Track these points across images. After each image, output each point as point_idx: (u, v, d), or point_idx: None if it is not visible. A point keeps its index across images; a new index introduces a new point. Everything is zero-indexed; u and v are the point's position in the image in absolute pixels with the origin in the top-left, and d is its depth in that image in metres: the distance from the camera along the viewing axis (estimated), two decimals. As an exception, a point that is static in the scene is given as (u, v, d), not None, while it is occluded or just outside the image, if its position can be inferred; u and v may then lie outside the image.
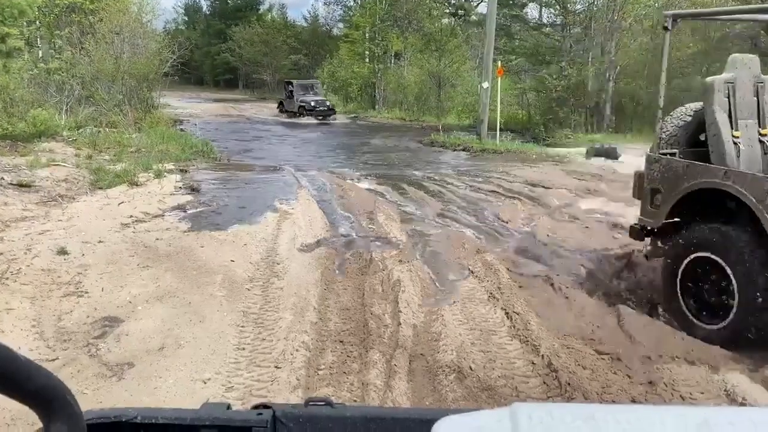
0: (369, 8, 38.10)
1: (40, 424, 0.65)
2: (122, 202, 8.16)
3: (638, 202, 5.59)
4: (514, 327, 4.59)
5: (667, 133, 5.53)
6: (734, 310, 4.18)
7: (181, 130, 19.31)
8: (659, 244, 5.25)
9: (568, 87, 24.39)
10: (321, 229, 7.57)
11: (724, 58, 5.30)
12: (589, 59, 24.60)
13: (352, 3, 48.67)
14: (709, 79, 5.05)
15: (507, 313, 4.84)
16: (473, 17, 42.00)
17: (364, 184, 11.34)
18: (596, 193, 10.37)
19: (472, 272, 5.98)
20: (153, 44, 21.95)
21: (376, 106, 36.72)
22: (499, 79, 19.08)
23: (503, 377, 3.84)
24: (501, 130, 19.44)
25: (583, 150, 16.27)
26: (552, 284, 5.69)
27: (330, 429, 0.84)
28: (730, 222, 4.44)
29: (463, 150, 18.01)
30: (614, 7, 23.48)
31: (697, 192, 4.60)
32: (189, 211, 8.09)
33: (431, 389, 3.70)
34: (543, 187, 10.94)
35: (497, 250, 6.87)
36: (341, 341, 4.33)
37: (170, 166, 11.56)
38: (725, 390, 3.68)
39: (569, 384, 3.66)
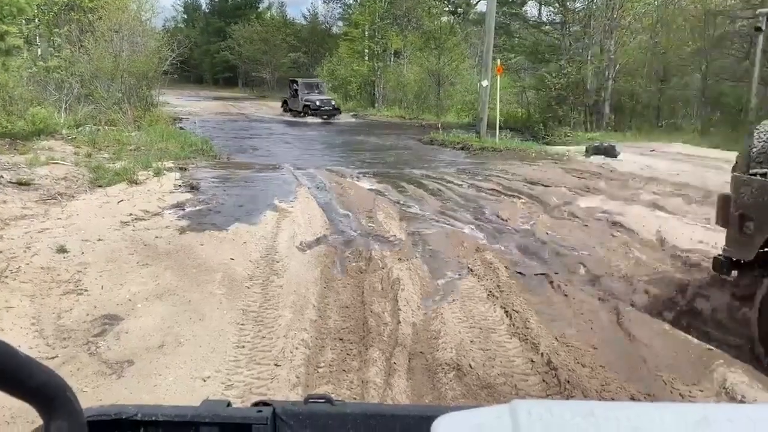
0: (368, 6, 38.07)
1: (40, 422, 0.65)
2: (122, 201, 8.16)
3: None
4: (513, 325, 4.60)
5: (757, 149, 4.70)
6: None
7: (181, 128, 19.30)
8: (750, 277, 4.47)
9: (567, 85, 24.39)
10: (320, 227, 7.57)
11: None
12: (589, 57, 24.59)
13: (351, 1, 48.79)
14: None
15: (506, 312, 4.84)
16: (472, 15, 42.01)
17: (364, 183, 11.34)
18: (595, 191, 10.38)
19: (471, 270, 5.98)
20: (152, 42, 21.93)
21: (376, 104, 36.72)
22: (499, 77, 19.07)
23: (502, 375, 3.84)
24: (500, 128, 19.44)
25: (583, 148, 16.29)
26: (551, 282, 5.71)
27: (330, 426, 0.84)
28: None
29: (463, 148, 18.01)
30: (613, 5, 23.47)
31: None
32: (188, 209, 8.08)
33: (431, 387, 3.70)
34: (542, 185, 10.94)
35: (496, 249, 6.88)
36: (341, 339, 4.33)
37: (169, 164, 11.55)
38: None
39: (568, 382, 3.67)
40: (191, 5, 72.48)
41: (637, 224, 7.77)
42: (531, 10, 35.70)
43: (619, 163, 13.96)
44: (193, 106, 32.24)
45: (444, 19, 38.90)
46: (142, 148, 13.06)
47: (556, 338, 4.37)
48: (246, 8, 61.10)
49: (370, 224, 7.77)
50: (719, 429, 0.49)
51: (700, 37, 21.54)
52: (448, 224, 8.10)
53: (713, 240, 6.93)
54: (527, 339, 4.32)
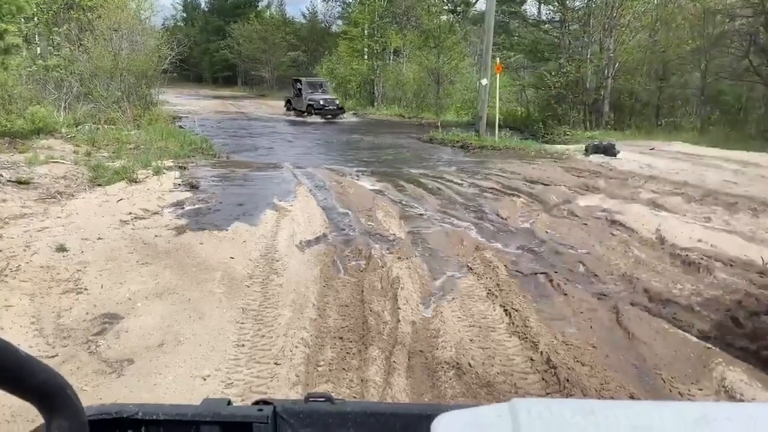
0: (368, 5, 38.05)
1: (40, 420, 0.65)
2: (121, 199, 8.15)
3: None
4: (512, 324, 4.60)
5: None
6: None
7: (180, 126, 19.29)
8: None
9: (566, 84, 24.37)
10: (320, 226, 7.57)
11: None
12: (588, 56, 24.57)
13: (350, 0, 48.64)
14: None
15: (506, 310, 4.85)
16: (472, 14, 41.98)
17: (363, 182, 11.34)
18: (595, 190, 10.38)
19: (471, 269, 5.99)
20: (152, 41, 21.92)
21: (375, 103, 36.72)
22: (498, 75, 19.07)
23: (502, 374, 3.85)
24: (500, 126, 19.44)
25: (582, 147, 16.29)
26: (551, 281, 5.71)
27: (330, 424, 0.84)
28: None
29: (462, 147, 18.02)
30: (613, 3, 23.43)
31: None
32: (188, 208, 8.09)
33: (430, 385, 3.70)
34: (542, 184, 10.95)
35: (496, 247, 6.88)
36: (340, 338, 4.33)
37: (169, 163, 11.56)
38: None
39: (568, 380, 3.67)
40: (190, 4, 72.46)
41: (637, 223, 7.78)
42: (530, 8, 35.73)
43: (618, 162, 13.96)
44: (192, 105, 32.21)
45: (443, 17, 38.88)
46: (142, 146, 13.05)
47: (555, 337, 4.37)
48: (245, 7, 61.07)
49: (369, 223, 7.77)
50: (718, 427, 0.49)
51: (699, 35, 21.53)
52: (447, 223, 8.10)
53: (712, 239, 6.95)
54: (527, 338, 4.32)
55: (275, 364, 3.87)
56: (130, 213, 7.44)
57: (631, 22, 23.88)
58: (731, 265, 6.02)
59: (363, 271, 5.87)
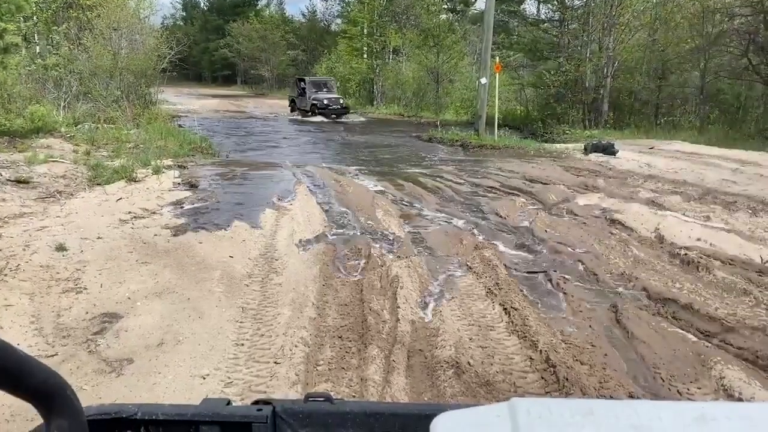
0: (367, 4, 38.07)
1: (40, 420, 0.65)
2: (120, 199, 8.15)
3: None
4: (512, 322, 4.60)
5: None
6: None
7: (180, 126, 19.29)
8: None
9: (566, 83, 24.38)
10: (319, 225, 7.57)
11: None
12: (587, 55, 24.57)
13: (350, -2, 48.62)
14: None
15: (505, 309, 4.85)
16: (471, 13, 41.99)
17: (362, 181, 11.34)
18: (594, 189, 10.38)
19: (470, 268, 5.99)
20: (151, 40, 21.91)
21: (375, 102, 36.73)
22: (497, 74, 19.06)
23: (501, 372, 3.85)
24: (499, 125, 19.44)
25: (581, 146, 16.29)
26: (550, 280, 5.72)
27: (329, 424, 0.84)
28: None
29: (461, 146, 18.03)
30: (612, 2, 23.43)
31: None
32: (187, 207, 8.08)
33: (429, 384, 3.71)
34: (541, 183, 10.95)
35: (495, 246, 6.88)
36: (340, 337, 4.33)
37: (168, 162, 11.55)
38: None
39: (567, 379, 3.67)
40: (190, 3, 72.47)
41: (636, 222, 7.78)
42: (529, 7, 35.74)
43: (617, 161, 13.96)
44: (192, 104, 32.22)
45: (443, 16, 38.89)
46: (141, 146, 13.04)
47: (554, 335, 4.38)
48: (244, 6, 61.10)
49: (368, 222, 7.77)
50: (717, 426, 0.49)
51: (698, 34, 21.53)
52: (446, 222, 8.10)
53: (711, 237, 6.95)
54: (526, 336, 4.32)
55: (275, 363, 3.87)
56: (130, 212, 7.44)
57: (630, 21, 23.88)
58: (730, 264, 6.03)
59: (362, 269, 5.87)
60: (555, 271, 5.98)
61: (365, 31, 39.26)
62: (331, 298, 5.11)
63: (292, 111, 30.70)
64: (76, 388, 0.67)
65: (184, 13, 74.22)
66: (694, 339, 4.42)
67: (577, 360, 3.99)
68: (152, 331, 4.26)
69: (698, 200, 9.28)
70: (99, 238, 6.23)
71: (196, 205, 8.28)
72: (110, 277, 5.23)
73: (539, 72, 26.64)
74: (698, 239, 6.90)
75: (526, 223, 7.99)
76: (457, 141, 18.66)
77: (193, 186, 9.54)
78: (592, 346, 4.28)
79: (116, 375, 3.69)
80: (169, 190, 9.05)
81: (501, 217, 8.36)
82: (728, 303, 5.09)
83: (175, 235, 6.59)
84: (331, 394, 0.90)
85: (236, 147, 16.61)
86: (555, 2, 28.50)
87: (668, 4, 23.46)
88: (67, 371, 3.60)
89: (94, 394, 3.40)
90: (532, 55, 29.19)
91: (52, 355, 3.84)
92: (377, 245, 6.66)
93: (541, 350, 4.06)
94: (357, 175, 12.06)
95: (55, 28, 19.43)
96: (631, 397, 3.54)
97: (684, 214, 8.26)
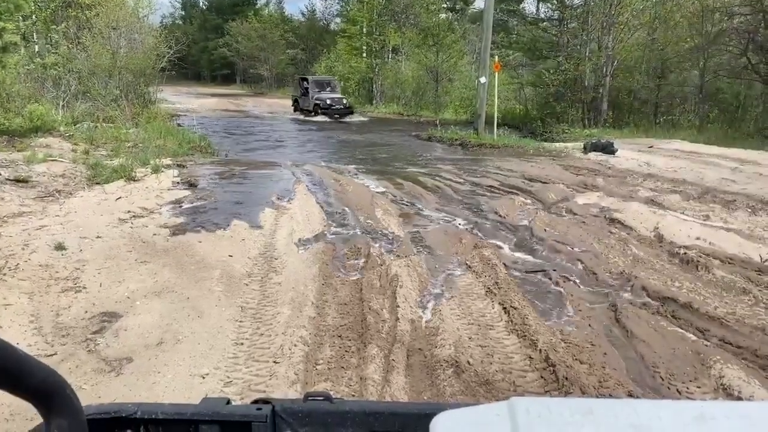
0: (366, 3, 38.05)
1: (39, 419, 0.65)
2: (120, 198, 8.15)
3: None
4: (511, 322, 4.60)
5: None
6: None
7: (179, 125, 19.28)
8: None
9: (565, 82, 24.40)
10: (318, 224, 7.57)
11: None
12: (586, 54, 24.58)
13: (349, -3, 48.59)
14: None
15: (504, 308, 4.85)
16: (471, 11, 41.99)
17: (362, 180, 11.34)
18: (593, 188, 10.38)
19: (469, 267, 5.99)
20: (150, 39, 21.88)
21: (374, 101, 36.73)
22: (497, 73, 19.07)
23: (501, 372, 3.85)
24: (498, 124, 19.45)
25: (580, 145, 16.30)
26: (549, 279, 5.72)
27: (329, 423, 0.84)
28: None
29: (461, 145, 18.03)
30: (611, 1, 23.44)
31: None
32: (186, 207, 8.08)
33: (429, 383, 3.71)
34: (540, 182, 10.95)
35: (495, 245, 6.89)
36: (339, 336, 4.33)
37: (167, 161, 11.55)
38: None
39: (566, 378, 3.67)
40: (188, 2, 72.47)
41: (635, 221, 7.79)
42: (529, 6, 35.76)
43: (616, 160, 13.97)
44: (191, 103, 32.21)
45: (442, 15, 38.89)
46: (140, 145, 13.03)
47: (553, 334, 4.38)
48: (243, 5, 61.08)
49: (368, 221, 7.77)
50: (716, 426, 0.49)
51: (697, 33, 21.54)
52: (446, 221, 8.10)
53: (711, 236, 6.96)
54: (525, 335, 4.32)
55: (274, 362, 3.87)
56: (129, 211, 7.43)
57: (629, 20, 23.90)
58: (729, 263, 6.03)
59: (362, 269, 5.87)
60: (554, 270, 5.98)
61: (364, 30, 39.25)
62: (331, 297, 5.11)
63: (295, 111, 30.47)
64: (76, 388, 0.67)
65: (183, 12, 74.24)
66: (694, 338, 4.42)
67: (576, 359, 3.99)
68: (151, 330, 4.25)
69: (697, 199, 9.28)
70: (98, 237, 6.22)
71: (195, 204, 8.28)
72: (109, 277, 5.23)
73: (538, 71, 26.66)
74: (697, 238, 6.90)
75: (525, 222, 7.99)
76: (456, 140, 18.66)
77: (192, 185, 9.53)
78: (592, 345, 4.28)
79: (115, 374, 3.69)
80: (168, 189, 9.05)
81: (500, 216, 8.36)
82: (727, 302, 5.09)
83: (174, 234, 6.58)
84: (331, 393, 0.90)
85: (235, 146, 16.61)
86: (554, 1, 28.51)
87: (667, 3, 23.47)
88: (67, 370, 3.60)
89: (93, 393, 3.40)
90: (531, 54, 29.19)
91: (52, 355, 3.84)
92: (377, 244, 6.66)
93: (540, 349, 4.06)
94: (356, 174, 12.06)
95: (54, 27, 19.40)
96: (630, 396, 3.54)
97: (683, 213, 8.27)
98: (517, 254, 6.65)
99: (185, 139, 14.81)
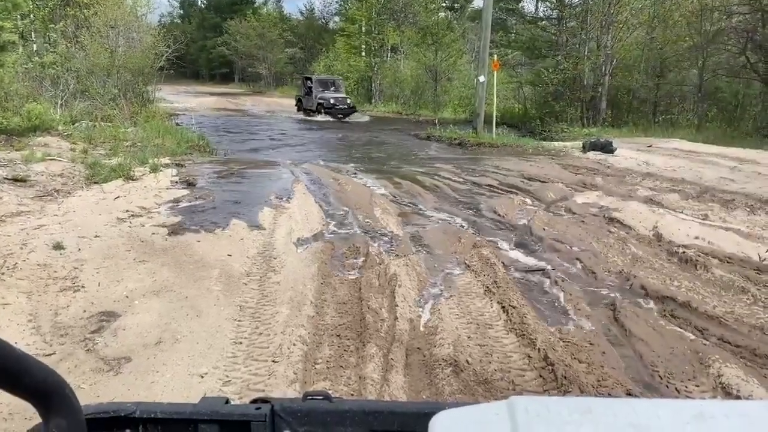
0: (365, 1, 38.02)
1: (38, 419, 0.65)
2: (118, 197, 8.14)
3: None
4: (510, 321, 4.61)
5: None
6: None
7: (177, 124, 19.26)
8: None
9: (564, 81, 24.41)
10: (317, 223, 7.57)
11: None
12: (585, 53, 24.59)
13: (348, -4, 48.59)
14: None
15: (503, 307, 4.85)
16: (470, 10, 41.98)
17: (361, 179, 11.34)
18: (592, 187, 10.40)
19: (468, 266, 5.99)
20: (148, 38, 21.85)
21: (373, 100, 36.72)
22: (496, 72, 19.07)
23: (500, 371, 3.85)
24: (497, 123, 19.45)
25: (579, 144, 16.32)
26: (548, 278, 5.72)
27: (328, 423, 0.84)
28: None
29: (459, 144, 18.04)
30: (610, 0, 23.45)
31: None
32: (185, 206, 8.07)
33: (428, 383, 3.71)
34: (539, 181, 10.96)
35: (493, 244, 6.89)
36: (338, 335, 4.33)
37: (166, 160, 11.54)
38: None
39: (565, 377, 3.68)
40: (187, 1, 72.37)
41: (634, 220, 7.79)
42: (528, 5, 35.84)
43: (615, 159, 13.99)
44: (189, 102, 32.18)
45: (441, 14, 38.89)
46: (139, 144, 13.02)
47: (552, 334, 4.38)
48: (242, 3, 61.05)
49: (367, 220, 7.77)
50: (715, 425, 0.49)
51: (696, 32, 21.55)
52: (445, 220, 8.11)
53: (709, 236, 6.96)
54: (524, 335, 4.33)
55: (273, 361, 3.87)
56: (127, 211, 7.43)
57: (628, 19, 23.91)
58: (728, 262, 6.04)
59: (360, 268, 5.87)
60: (553, 269, 5.99)
61: (363, 28, 39.25)
62: (330, 297, 5.10)
63: (298, 110, 30.11)
64: (74, 387, 0.67)
65: (181, 11, 74.18)
66: (692, 337, 4.42)
67: (575, 358, 3.99)
68: (150, 330, 4.25)
69: (696, 198, 9.30)
70: (96, 236, 6.22)
71: (193, 203, 8.27)
72: (108, 276, 5.22)
73: (537, 70, 26.67)
74: (696, 237, 6.91)
75: (524, 222, 7.99)
76: (455, 139, 18.67)
77: (190, 184, 9.52)
78: (591, 344, 4.28)
79: (114, 373, 3.69)
80: (167, 189, 9.04)
81: (499, 215, 8.36)
82: (726, 301, 5.10)
83: (172, 234, 6.58)
84: (330, 392, 0.90)
85: (234, 145, 16.60)
86: (553, 0, 28.50)
87: (666, 2, 23.48)
88: (65, 370, 3.60)
89: (92, 392, 3.40)
90: (530, 53, 29.21)
91: (50, 354, 3.84)
92: (375, 244, 6.66)
93: (539, 348, 4.06)
94: (355, 173, 12.05)
95: (52, 26, 19.37)
96: (629, 395, 3.54)
97: (682, 212, 8.28)
98: (516, 253, 6.65)
99: (184, 138, 14.80)
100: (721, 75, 21.59)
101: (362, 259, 6.13)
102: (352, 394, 3.49)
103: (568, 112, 24.43)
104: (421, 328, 4.47)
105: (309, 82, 29.50)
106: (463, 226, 7.77)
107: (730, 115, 21.65)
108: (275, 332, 4.30)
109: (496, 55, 20.14)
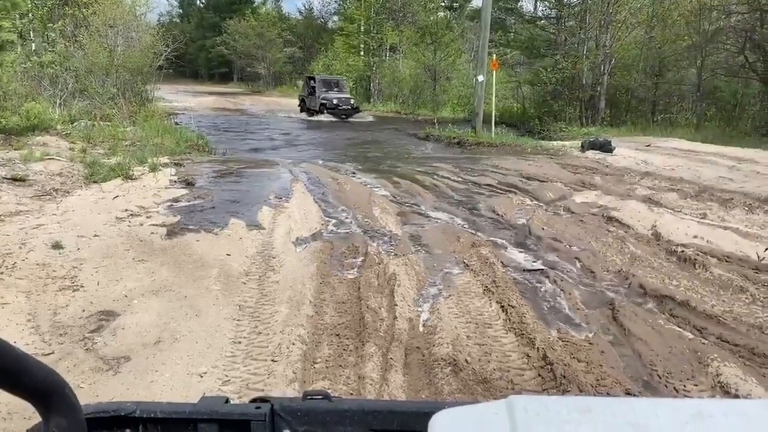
0: (364, 1, 38.00)
1: (37, 418, 0.65)
2: (117, 196, 8.13)
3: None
4: (509, 320, 4.61)
5: None
6: None
7: (176, 123, 19.24)
8: None
9: (562, 80, 24.42)
10: (316, 222, 7.57)
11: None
12: (584, 52, 24.59)
13: (347, -5, 48.57)
14: None
15: (502, 307, 4.85)
16: (469, 9, 41.96)
17: (360, 178, 11.34)
18: (591, 186, 10.40)
19: (467, 266, 5.99)
20: (147, 37, 21.83)
21: (372, 100, 36.71)
22: (494, 72, 19.07)
23: (499, 370, 3.85)
24: (496, 123, 19.45)
25: (578, 143, 16.32)
26: (547, 277, 5.73)
27: (328, 422, 0.84)
28: None
29: (458, 143, 18.03)
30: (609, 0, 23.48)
31: None
32: (184, 205, 8.07)
33: (427, 382, 3.71)
34: (538, 180, 10.96)
35: (492, 244, 6.89)
36: (337, 335, 4.33)
37: (165, 159, 11.53)
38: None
39: (564, 376, 3.68)
40: (186, 0, 72.27)
41: (633, 219, 7.80)
42: (527, 5, 35.83)
43: (614, 158, 13.99)
44: (188, 102, 32.18)
45: (440, 14, 38.89)
46: (137, 143, 13.01)
47: (551, 333, 4.39)
48: (241, 3, 61.00)
49: (366, 220, 7.77)
50: (714, 423, 0.49)
51: (695, 31, 21.56)
52: (443, 219, 8.11)
53: (708, 235, 6.97)
54: (523, 334, 4.33)
55: (272, 361, 3.87)
56: (126, 210, 7.42)
57: (627, 19, 23.92)
58: (727, 261, 6.04)
59: (360, 267, 5.87)
60: (552, 268, 5.99)
61: (362, 28, 39.23)
62: (329, 296, 5.11)
63: (301, 111, 29.84)
64: (74, 387, 0.67)
65: (180, 11, 74.12)
66: (691, 336, 4.43)
67: (574, 357, 3.99)
68: (149, 329, 4.25)
69: (695, 197, 9.30)
70: (95, 235, 6.21)
71: (192, 202, 8.27)
72: (107, 275, 5.22)
73: (536, 69, 26.68)
74: (695, 236, 6.92)
75: (523, 221, 7.99)
76: (454, 138, 18.66)
77: (189, 184, 9.52)
78: (589, 343, 4.29)
79: (113, 373, 3.69)
80: (166, 188, 9.03)
81: (498, 214, 8.36)
82: (725, 300, 5.10)
83: (171, 233, 6.58)
84: (329, 391, 0.90)
85: (233, 144, 16.59)
86: (552, -1, 28.54)
87: (665, 1, 23.50)
88: (64, 369, 3.60)
89: (91, 392, 3.40)
90: (529, 53, 29.22)
91: (49, 353, 3.84)
92: (374, 243, 6.66)
93: (538, 348, 4.06)
94: (354, 173, 12.05)
95: (51, 25, 19.33)
96: (628, 394, 3.55)
97: (680, 212, 8.28)
98: (515, 253, 6.65)
99: (182, 137, 14.78)
100: (720, 74, 21.61)
101: (361, 258, 6.13)
102: (352, 394, 3.50)
103: (567, 112, 24.45)
104: (420, 328, 4.47)
105: (312, 82, 29.30)
106: (462, 226, 7.77)
107: (729, 114, 21.65)
108: (274, 331, 4.30)
109: (494, 55, 20.13)
